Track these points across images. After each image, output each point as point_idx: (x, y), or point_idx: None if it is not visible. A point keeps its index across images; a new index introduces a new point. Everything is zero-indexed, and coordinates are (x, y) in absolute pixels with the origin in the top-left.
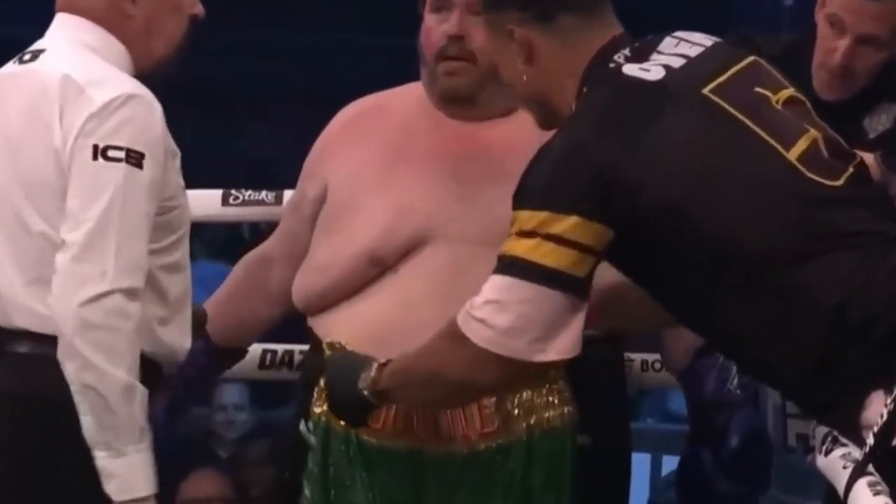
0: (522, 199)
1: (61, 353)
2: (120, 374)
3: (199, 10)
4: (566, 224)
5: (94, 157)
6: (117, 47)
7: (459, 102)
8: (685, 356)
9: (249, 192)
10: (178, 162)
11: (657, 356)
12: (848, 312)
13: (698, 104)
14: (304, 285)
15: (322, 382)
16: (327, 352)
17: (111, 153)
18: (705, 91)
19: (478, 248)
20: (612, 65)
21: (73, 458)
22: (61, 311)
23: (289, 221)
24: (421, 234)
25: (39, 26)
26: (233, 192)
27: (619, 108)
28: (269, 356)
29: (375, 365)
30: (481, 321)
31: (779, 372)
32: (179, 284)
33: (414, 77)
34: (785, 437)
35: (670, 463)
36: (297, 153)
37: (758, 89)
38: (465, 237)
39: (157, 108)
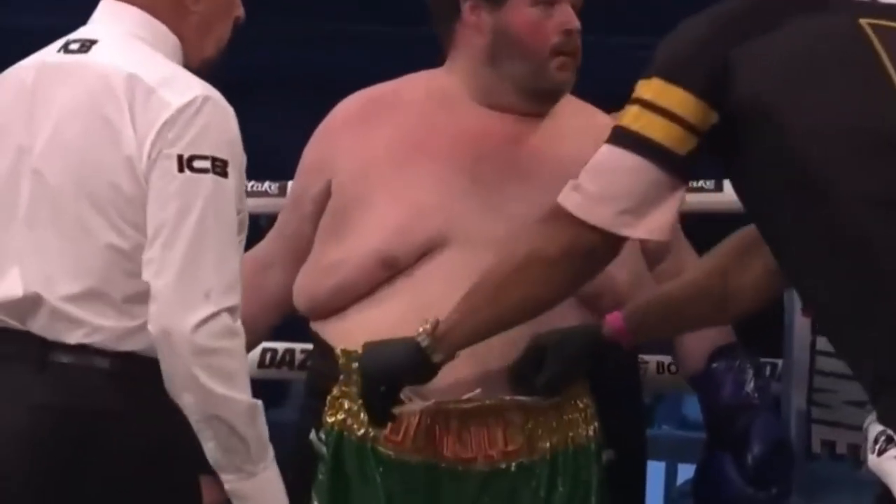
0: (645, 67)
1: (177, 386)
2: (242, 396)
3: (241, 12)
4: (674, 96)
5: (181, 169)
6: (172, 42)
7: (555, 99)
8: (700, 359)
9: (252, 182)
10: (245, 163)
11: (670, 358)
12: None
13: (847, 27)
14: (309, 286)
15: (335, 391)
16: (342, 359)
17: (197, 163)
18: (863, 21)
19: (496, 251)
20: None
21: (119, 471)
22: (169, 341)
23: (288, 220)
24: (438, 236)
25: (42, 14)
26: None
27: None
28: (269, 355)
29: (428, 324)
30: (576, 188)
31: (861, 339)
32: None
33: (410, 67)
34: (809, 444)
35: (685, 472)
36: (298, 142)
37: None
38: (485, 240)
39: (230, 108)
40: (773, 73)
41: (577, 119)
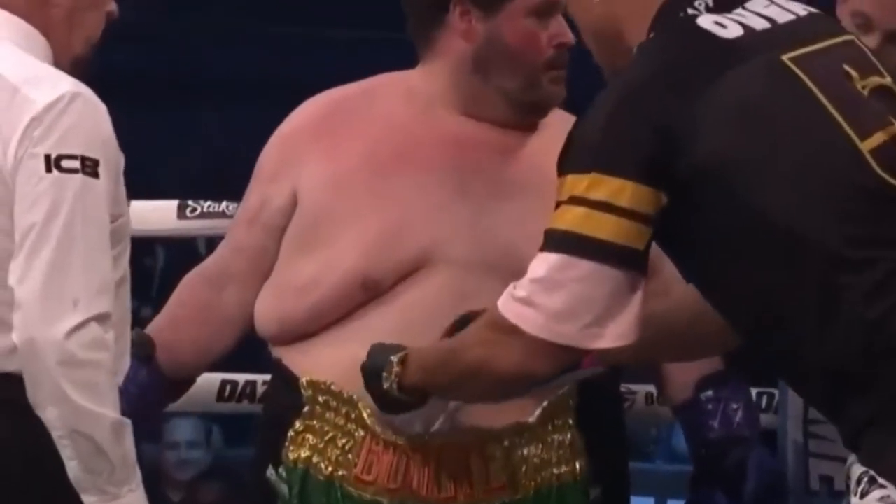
0: (569, 159)
1: (41, 398)
2: (107, 412)
3: (113, 7)
4: (618, 188)
5: (48, 169)
6: (40, 41)
7: (545, 111)
8: (686, 388)
9: (209, 202)
10: (122, 165)
11: None
12: (887, 330)
13: (772, 69)
14: (279, 308)
15: (298, 425)
16: (307, 391)
17: (66, 163)
18: (785, 58)
19: (485, 274)
20: (688, 12)
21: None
22: (34, 351)
23: (247, 234)
24: (422, 256)
25: None
26: (190, 203)
27: (682, 58)
28: (228, 387)
29: (395, 360)
30: (528, 304)
31: (814, 377)
32: (123, 303)
33: (377, 70)
34: (807, 479)
35: None
36: (255, 151)
37: (846, 68)
38: (472, 262)
39: (102, 106)
40: (720, 131)
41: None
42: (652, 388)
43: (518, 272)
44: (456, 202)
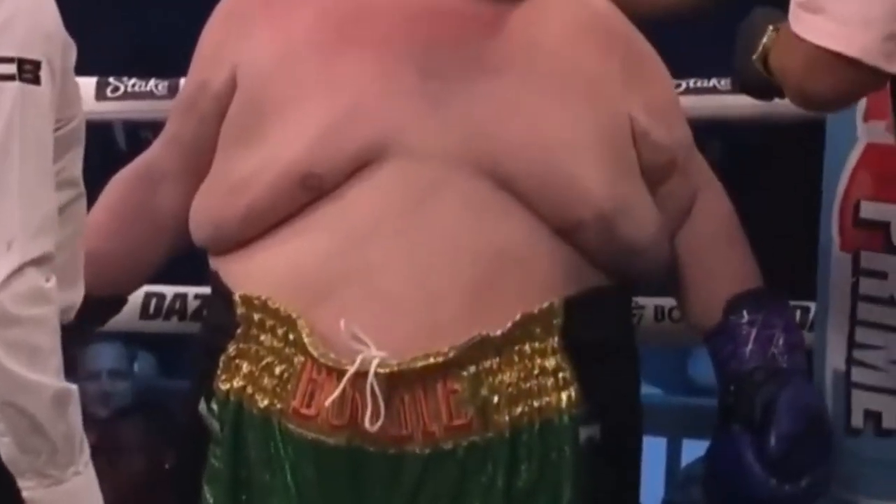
0: None
1: None
2: (47, 380)
3: None
4: None
5: None
6: None
7: None
8: (715, 309)
9: (133, 80)
10: (73, 58)
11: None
12: None
13: None
14: (212, 209)
15: (231, 350)
16: (241, 309)
17: None
18: None
19: (449, 166)
20: None
21: None
22: None
23: (182, 124)
24: (373, 146)
25: None
26: (111, 80)
27: None
28: (153, 302)
29: (771, 29)
30: (812, 9)
31: None
32: (78, 219)
33: None
34: (848, 415)
35: (692, 449)
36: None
37: None
38: (434, 151)
39: None
40: None
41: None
42: (664, 302)
43: (493, 165)
44: (416, 82)
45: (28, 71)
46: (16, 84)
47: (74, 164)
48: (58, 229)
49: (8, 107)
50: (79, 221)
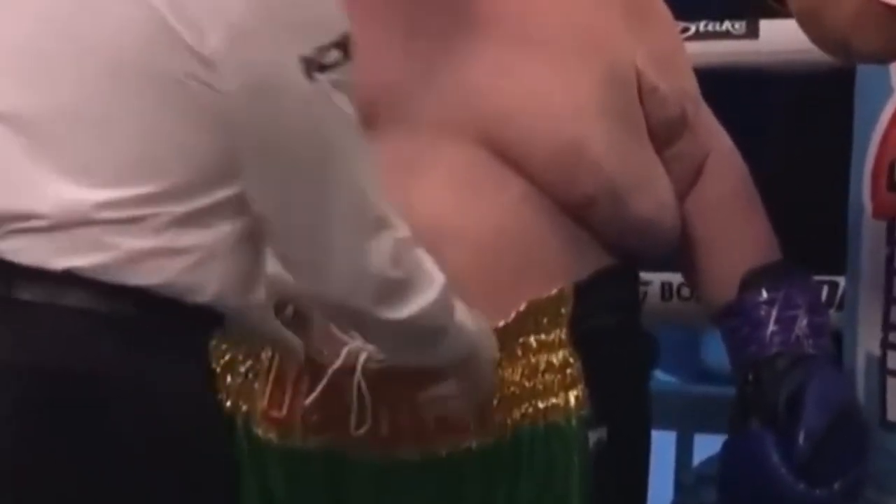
0: None
1: None
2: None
3: None
4: None
5: None
6: None
7: None
8: (729, 285)
9: None
10: None
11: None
12: None
13: None
14: None
15: None
16: None
17: None
18: None
19: (439, 135)
20: None
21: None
22: None
23: None
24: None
25: None
26: None
27: None
28: None
29: None
30: None
31: None
32: None
33: None
34: (883, 406)
35: (704, 445)
36: None
37: None
38: (422, 120)
39: None
40: None
41: None
42: (670, 277)
43: (493, 132)
44: (404, 44)
45: None
46: None
47: None
48: None
49: None
50: None
